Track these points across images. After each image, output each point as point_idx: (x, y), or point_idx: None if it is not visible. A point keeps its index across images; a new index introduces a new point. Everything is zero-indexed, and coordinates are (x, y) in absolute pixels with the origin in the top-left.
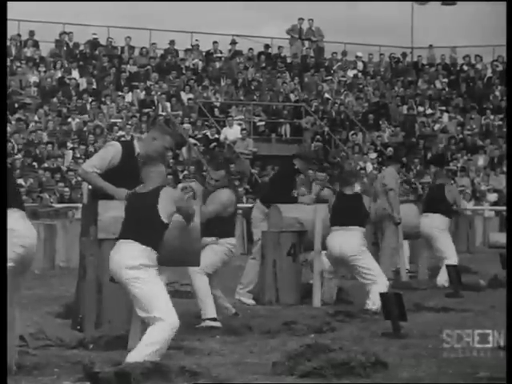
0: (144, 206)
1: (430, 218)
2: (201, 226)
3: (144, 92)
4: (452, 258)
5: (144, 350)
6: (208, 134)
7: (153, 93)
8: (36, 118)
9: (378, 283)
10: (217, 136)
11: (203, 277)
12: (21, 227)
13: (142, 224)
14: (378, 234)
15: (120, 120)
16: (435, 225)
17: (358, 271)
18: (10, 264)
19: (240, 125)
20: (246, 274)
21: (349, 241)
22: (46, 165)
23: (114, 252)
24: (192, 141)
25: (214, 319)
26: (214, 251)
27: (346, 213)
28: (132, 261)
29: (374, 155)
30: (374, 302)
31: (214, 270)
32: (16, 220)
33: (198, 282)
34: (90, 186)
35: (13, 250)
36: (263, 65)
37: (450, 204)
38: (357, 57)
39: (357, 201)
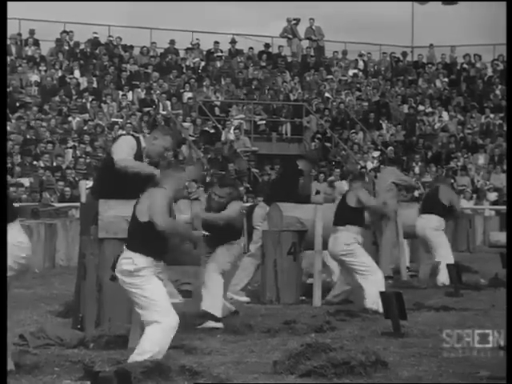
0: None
1: (425, 219)
2: (211, 235)
3: (144, 91)
4: (447, 257)
5: (145, 353)
6: (206, 129)
7: (153, 92)
8: (37, 117)
9: (372, 279)
10: (213, 131)
11: (219, 276)
12: (24, 239)
13: (129, 230)
14: (377, 233)
15: (121, 120)
16: (430, 225)
17: (350, 268)
18: (11, 273)
19: (241, 124)
20: (240, 271)
21: (335, 241)
22: (46, 164)
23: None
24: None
25: (217, 319)
26: (226, 252)
27: (335, 213)
28: (125, 267)
29: (377, 153)
30: (371, 300)
31: (228, 268)
32: (19, 233)
33: (212, 280)
34: (88, 186)
35: (18, 262)
36: (263, 64)
37: (444, 205)
38: (359, 55)
39: (342, 200)
